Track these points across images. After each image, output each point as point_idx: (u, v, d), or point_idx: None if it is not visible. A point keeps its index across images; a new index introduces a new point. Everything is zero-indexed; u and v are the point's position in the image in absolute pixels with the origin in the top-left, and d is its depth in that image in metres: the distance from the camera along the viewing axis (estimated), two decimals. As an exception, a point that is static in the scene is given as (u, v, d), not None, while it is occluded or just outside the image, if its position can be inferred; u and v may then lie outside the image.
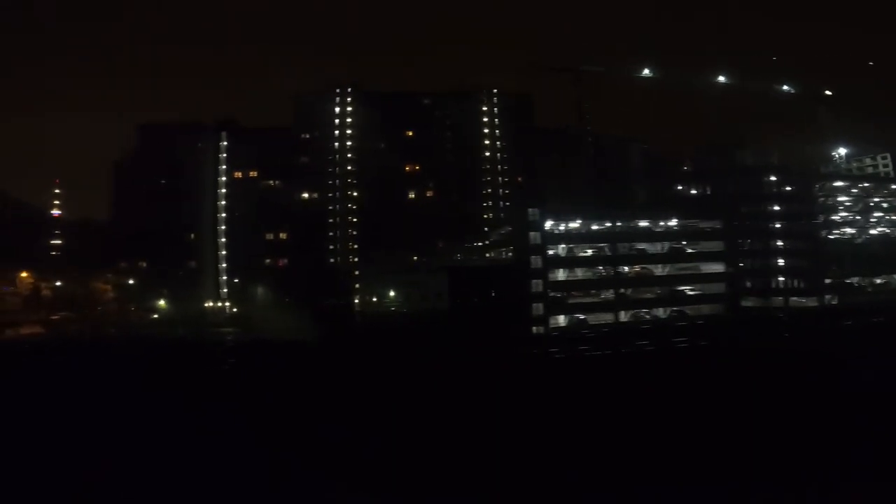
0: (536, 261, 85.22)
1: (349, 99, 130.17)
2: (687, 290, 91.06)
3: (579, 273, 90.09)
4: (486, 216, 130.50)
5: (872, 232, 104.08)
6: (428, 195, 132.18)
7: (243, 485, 35.56)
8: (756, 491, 32.80)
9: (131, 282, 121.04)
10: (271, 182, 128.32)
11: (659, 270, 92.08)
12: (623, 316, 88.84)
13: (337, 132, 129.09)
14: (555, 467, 36.58)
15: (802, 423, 42.30)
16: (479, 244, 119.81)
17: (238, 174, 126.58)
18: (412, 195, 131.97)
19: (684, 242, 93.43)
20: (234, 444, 41.30)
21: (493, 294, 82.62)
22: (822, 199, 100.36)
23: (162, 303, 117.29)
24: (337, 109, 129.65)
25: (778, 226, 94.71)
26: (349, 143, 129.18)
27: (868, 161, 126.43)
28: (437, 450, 39.48)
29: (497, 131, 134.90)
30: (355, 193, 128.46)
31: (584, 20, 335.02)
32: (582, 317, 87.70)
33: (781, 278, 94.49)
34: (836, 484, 32.06)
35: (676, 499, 32.87)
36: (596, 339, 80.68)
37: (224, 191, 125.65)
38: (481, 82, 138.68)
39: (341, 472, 36.46)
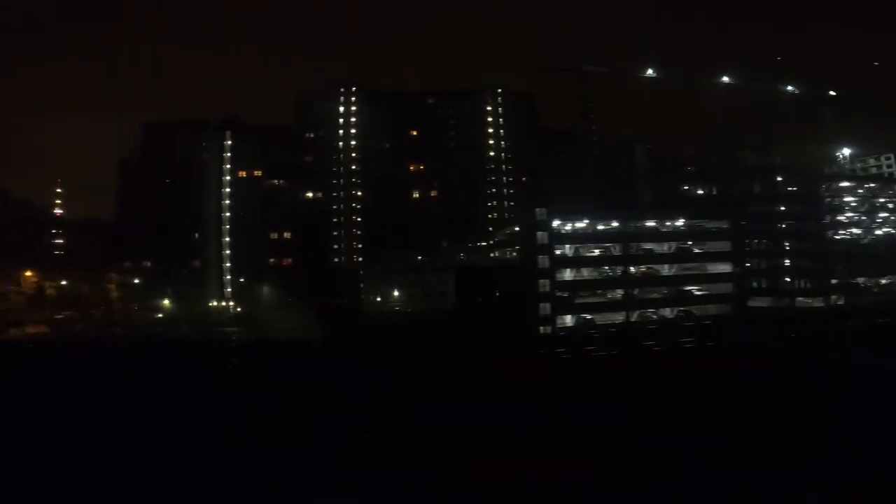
0: (543, 260, 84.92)
1: (353, 98, 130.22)
2: (694, 290, 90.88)
3: (585, 273, 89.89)
4: (490, 216, 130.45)
5: (878, 232, 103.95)
6: (432, 195, 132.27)
7: (249, 485, 35.40)
8: (756, 491, 32.71)
9: (136, 281, 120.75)
10: (275, 181, 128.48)
11: (665, 270, 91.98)
12: (630, 316, 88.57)
13: (341, 132, 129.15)
14: (564, 468, 36.37)
15: (806, 424, 42.13)
16: (483, 244, 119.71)
17: (242, 173, 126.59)
18: (416, 195, 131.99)
19: (689, 243, 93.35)
20: (239, 443, 41.13)
21: (501, 294, 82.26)
22: (829, 199, 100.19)
23: (166, 302, 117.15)
24: (341, 109, 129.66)
25: (784, 226, 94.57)
26: (353, 142, 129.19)
27: (872, 161, 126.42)
28: (444, 450, 39.24)
29: (501, 131, 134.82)
30: (359, 193, 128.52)
31: (585, 20, 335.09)
32: (589, 317, 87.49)
33: (788, 279, 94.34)
34: (837, 484, 31.91)
35: (678, 498, 32.74)
36: (604, 340, 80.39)
37: (228, 190, 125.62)
38: (485, 82, 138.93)
39: (346, 473, 36.26)
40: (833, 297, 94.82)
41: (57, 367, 71.96)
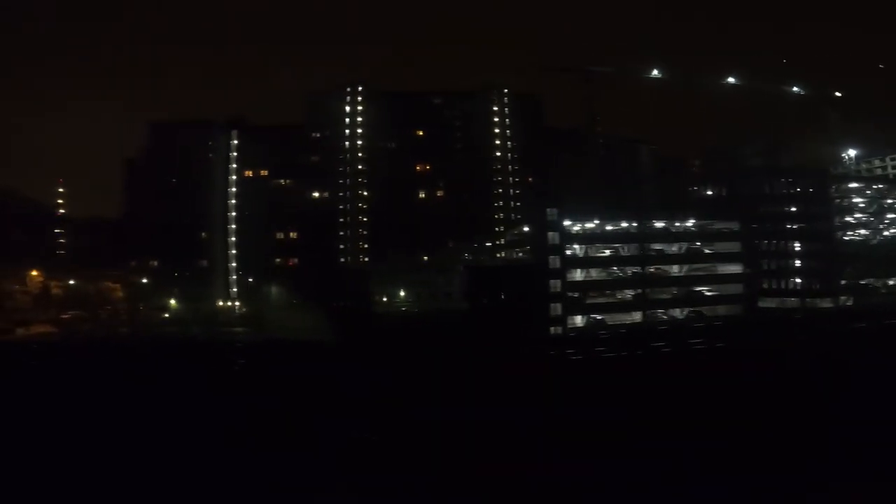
0: (554, 261, 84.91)
1: (359, 98, 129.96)
2: (704, 290, 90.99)
3: (593, 273, 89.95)
4: (496, 216, 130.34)
5: (886, 234, 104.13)
6: (438, 195, 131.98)
7: (259, 489, 35.28)
8: (756, 491, 32.65)
9: (142, 281, 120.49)
10: (282, 181, 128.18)
11: (675, 271, 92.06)
12: (640, 316, 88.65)
13: (347, 131, 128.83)
14: (568, 468, 36.32)
15: (811, 424, 42.10)
16: (489, 244, 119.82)
17: (248, 173, 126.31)
18: (422, 195, 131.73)
19: (698, 244, 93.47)
20: (254, 445, 40.98)
21: (515, 294, 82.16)
22: (837, 200, 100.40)
23: (172, 302, 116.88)
24: (347, 108, 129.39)
25: (794, 227, 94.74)
26: (360, 142, 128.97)
27: (877, 162, 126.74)
28: (464, 452, 39.11)
29: (507, 131, 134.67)
30: (365, 193, 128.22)
31: (585, 20, 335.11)
32: (599, 317, 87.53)
33: (798, 279, 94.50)
34: (837, 484, 31.87)
35: (678, 498, 32.72)
36: (615, 340, 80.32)
37: (234, 189, 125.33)
38: (490, 82, 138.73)
39: (360, 474, 36.11)
40: (842, 297, 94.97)
41: (63, 367, 71.63)
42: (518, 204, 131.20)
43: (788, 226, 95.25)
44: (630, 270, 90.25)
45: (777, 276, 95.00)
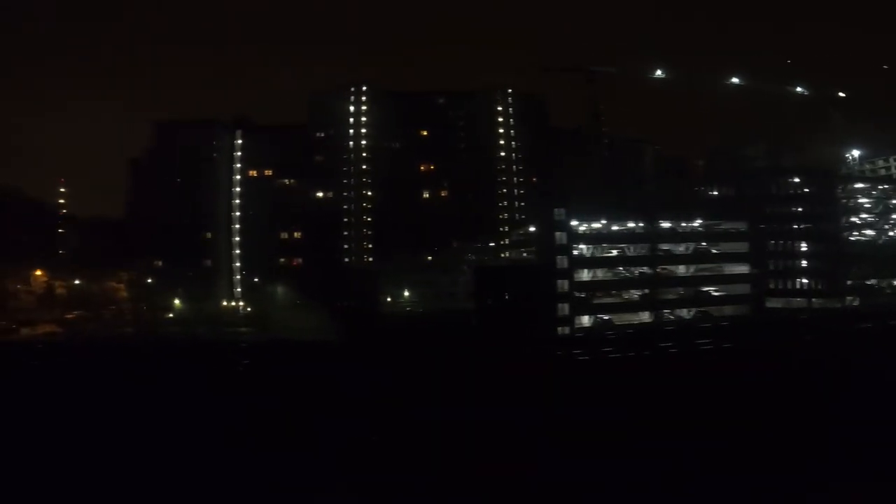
0: (562, 261, 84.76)
1: (363, 98, 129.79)
2: (711, 290, 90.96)
3: (599, 273, 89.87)
4: (500, 216, 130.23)
5: (892, 234, 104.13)
6: (442, 195, 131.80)
7: (257, 487, 35.25)
8: (756, 491, 32.67)
9: (148, 281, 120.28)
10: (286, 181, 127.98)
11: (682, 271, 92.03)
12: (648, 316, 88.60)
13: (351, 131, 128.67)
14: (574, 469, 36.29)
15: (812, 425, 42.12)
16: (493, 244, 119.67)
17: (253, 172, 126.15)
18: (426, 195, 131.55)
19: (704, 244, 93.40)
20: (248, 443, 40.96)
21: (523, 294, 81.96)
22: (844, 200, 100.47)
23: (177, 302, 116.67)
24: (351, 108, 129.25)
25: (801, 227, 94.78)
26: (364, 142, 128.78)
27: (881, 163, 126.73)
28: (472, 452, 39.01)
29: (512, 131, 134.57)
30: (370, 193, 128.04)
31: (585, 20, 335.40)
32: (606, 317, 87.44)
33: (805, 280, 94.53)
34: (837, 484, 31.87)
35: (678, 498, 32.65)
36: (624, 340, 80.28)
37: (238, 189, 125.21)
38: (494, 82, 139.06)
39: (368, 474, 36.04)
40: (848, 298, 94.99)
41: (68, 367, 71.56)
42: (522, 204, 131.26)
43: (795, 226, 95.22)
44: (637, 270, 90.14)
45: (783, 276, 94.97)
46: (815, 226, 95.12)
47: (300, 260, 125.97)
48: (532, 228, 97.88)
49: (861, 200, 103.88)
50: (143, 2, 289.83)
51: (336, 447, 40.58)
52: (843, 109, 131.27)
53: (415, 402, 49.98)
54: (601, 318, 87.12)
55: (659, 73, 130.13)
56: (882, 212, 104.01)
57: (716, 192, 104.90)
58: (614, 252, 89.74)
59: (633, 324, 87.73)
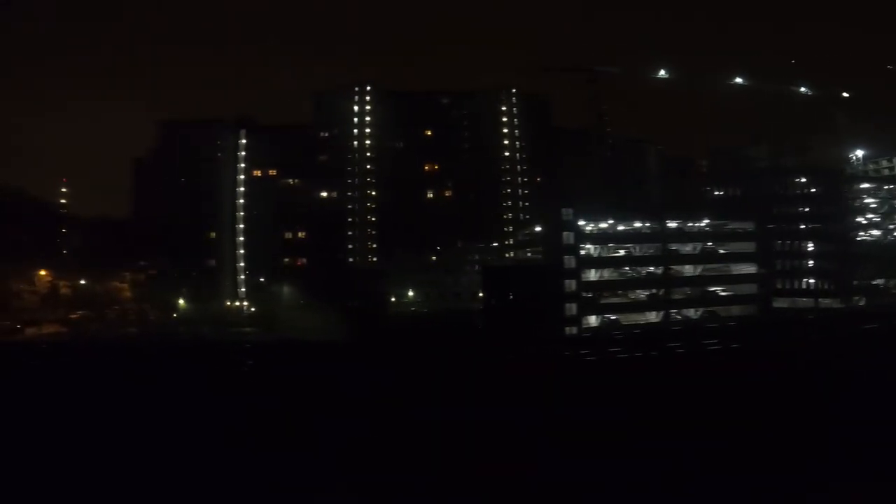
0: (569, 261, 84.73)
1: (367, 98, 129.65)
2: (719, 290, 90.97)
3: (605, 273, 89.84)
4: (505, 216, 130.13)
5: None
6: (446, 195, 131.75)
7: (258, 487, 35.11)
8: (756, 491, 32.45)
9: (152, 280, 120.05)
10: (290, 181, 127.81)
11: (688, 271, 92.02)
12: (655, 316, 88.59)
13: (356, 131, 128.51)
14: (574, 470, 36.15)
15: (812, 425, 41.98)
16: (497, 244, 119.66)
17: (257, 172, 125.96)
18: (430, 195, 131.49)
19: (710, 244, 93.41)
20: (251, 444, 40.80)
21: (533, 293, 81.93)
22: (850, 200, 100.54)
23: (181, 302, 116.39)
24: (355, 108, 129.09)
25: (808, 227, 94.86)
26: (368, 142, 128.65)
27: (885, 163, 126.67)
28: (479, 452, 38.86)
29: (516, 131, 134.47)
30: (374, 192, 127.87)
31: (585, 20, 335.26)
32: (613, 317, 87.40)
33: (812, 280, 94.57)
34: (837, 484, 31.69)
35: (677, 498, 32.48)
36: (630, 340, 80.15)
37: (243, 189, 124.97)
38: (498, 82, 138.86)
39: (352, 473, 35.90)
40: (855, 298, 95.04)
41: (72, 367, 71.22)
42: (526, 204, 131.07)
43: (802, 226, 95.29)
44: (644, 270, 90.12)
45: (790, 276, 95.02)
46: (822, 226, 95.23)
47: (304, 260, 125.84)
48: (538, 228, 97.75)
49: (867, 200, 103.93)
50: (143, 2, 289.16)
51: (341, 447, 40.32)
52: (845, 109, 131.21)
53: (421, 402, 49.68)
54: (608, 318, 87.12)
55: (662, 73, 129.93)
56: (887, 212, 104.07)
57: (721, 192, 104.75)
58: (621, 252, 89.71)
59: (641, 324, 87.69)
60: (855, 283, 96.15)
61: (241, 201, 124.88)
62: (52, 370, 71.19)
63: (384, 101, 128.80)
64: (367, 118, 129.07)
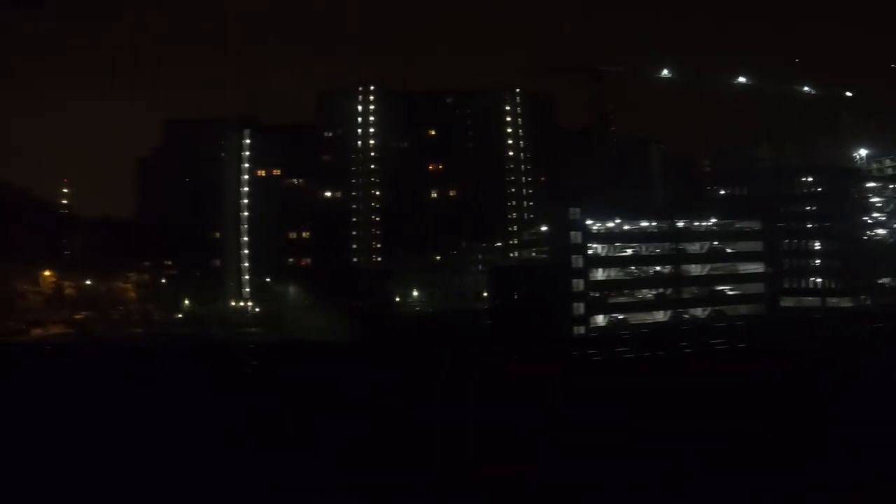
0: (577, 260, 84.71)
1: (371, 97, 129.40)
2: (726, 290, 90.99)
3: (613, 273, 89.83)
4: (509, 216, 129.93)
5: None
6: (451, 195, 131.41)
7: (258, 487, 35.04)
8: (756, 491, 32.47)
9: (157, 281, 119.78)
10: (294, 181, 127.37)
11: (695, 270, 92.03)
12: (663, 316, 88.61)
13: (360, 131, 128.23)
14: (574, 470, 36.06)
15: (812, 425, 41.93)
16: (501, 244, 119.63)
17: (261, 172, 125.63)
18: (435, 194, 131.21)
19: (717, 243, 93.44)
20: (253, 444, 40.72)
21: (541, 293, 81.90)
22: (857, 199, 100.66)
23: (186, 302, 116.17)
24: (359, 108, 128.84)
25: (815, 226, 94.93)
26: (372, 141, 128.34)
27: (888, 162, 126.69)
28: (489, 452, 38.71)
29: (520, 131, 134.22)
30: (378, 192, 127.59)
31: (585, 20, 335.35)
32: (621, 317, 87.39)
33: (819, 279, 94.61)
34: (837, 484, 31.72)
35: (677, 498, 32.47)
36: (643, 340, 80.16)
37: (247, 189, 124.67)
38: (501, 82, 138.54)
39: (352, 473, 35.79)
40: (862, 297, 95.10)
41: (78, 368, 71.22)
42: (531, 204, 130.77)
43: (809, 225, 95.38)
44: (651, 270, 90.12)
45: (797, 275, 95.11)
46: (830, 224, 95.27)
47: (308, 260, 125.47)
48: (543, 228, 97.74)
49: (872, 199, 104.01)
50: (143, 2, 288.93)
51: (342, 447, 40.23)
52: (848, 108, 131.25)
53: (424, 402, 49.58)
54: (616, 318, 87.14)
55: (665, 72, 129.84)
56: (893, 210, 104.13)
57: (726, 192, 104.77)
58: (629, 251, 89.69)
59: (648, 323, 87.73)
60: (861, 281, 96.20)
61: (245, 201, 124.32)
62: (60, 371, 71.24)
63: (387, 101, 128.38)
64: (371, 118, 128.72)
